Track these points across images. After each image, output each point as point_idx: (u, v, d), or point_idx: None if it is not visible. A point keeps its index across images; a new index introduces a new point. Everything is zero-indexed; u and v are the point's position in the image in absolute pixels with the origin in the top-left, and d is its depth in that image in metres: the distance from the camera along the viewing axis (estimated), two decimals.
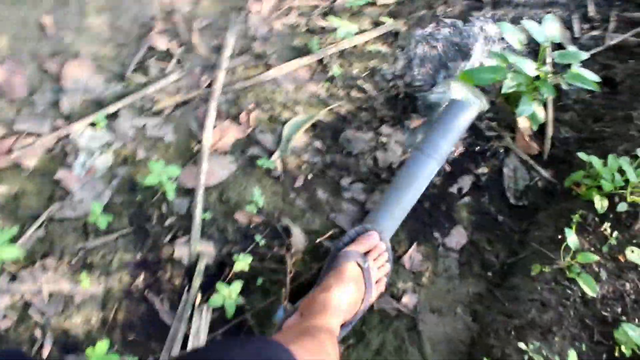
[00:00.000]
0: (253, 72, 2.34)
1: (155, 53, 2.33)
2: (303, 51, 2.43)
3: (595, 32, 2.91)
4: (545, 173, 2.42)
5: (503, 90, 2.28)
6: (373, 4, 2.62)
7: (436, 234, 2.24)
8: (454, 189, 2.35)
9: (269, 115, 2.27)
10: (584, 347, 1.79)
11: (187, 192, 2.08)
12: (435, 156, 2.12)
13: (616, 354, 1.77)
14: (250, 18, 2.45)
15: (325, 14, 2.55)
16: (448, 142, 2.15)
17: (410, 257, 2.16)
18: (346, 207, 2.19)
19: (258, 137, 2.21)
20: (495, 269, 2.19)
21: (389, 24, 2.57)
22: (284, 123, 2.27)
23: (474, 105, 2.21)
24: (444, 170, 2.36)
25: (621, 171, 2.06)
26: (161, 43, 2.33)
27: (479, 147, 2.46)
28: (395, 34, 2.60)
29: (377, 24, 2.59)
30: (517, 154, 2.46)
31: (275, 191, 2.15)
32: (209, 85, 2.27)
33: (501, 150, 2.47)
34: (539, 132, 2.51)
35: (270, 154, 2.20)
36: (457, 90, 2.37)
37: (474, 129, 2.48)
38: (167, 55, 2.34)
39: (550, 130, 2.50)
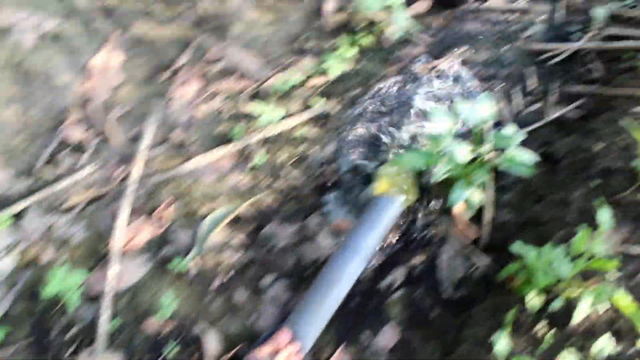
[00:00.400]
0: (172, 164, 2.43)
1: (68, 145, 2.41)
2: (226, 139, 2.53)
3: (535, 106, 3.06)
4: (483, 261, 2.50)
5: (433, 178, 2.38)
6: (303, 84, 2.73)
7: (365, 333, 2.29)
8: (385, 284, 2.42)
9: (186, 210, 2.35)
10: None
11: (94, 299, 2.12)
12: (360, 253, 2.20)
13: None
14: (172, 104, 2.56)
15: (252, 97, 2.66)
16: (373, 239, 2.23)
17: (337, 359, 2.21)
18: (267, 308, 2.24)
19: (173, 235, 2.28)
20: None
21: (319, 106, 2.68)
22: (203, 218, 2.33)
23: (398, 200, 2.30)
24: (375, 263, 2.43)
25: None
26: (75, 134, 2.42)
27: (413, 235, 2.54)
28: (326, 116, 2.71)
29: (307, 106, 2.70)
30: (453, 242, 2.54)
31: (190, 294, 2.20)
32: (124, 179, 2.34)
33: (436, 239, 2.55)
34: (477, 216, 2.59)
35: (185, 253, 2.25)
36: (384, 181, 2.46)
37: (407, 215, 2.56)
38: (80, 147, 2.42)
39: (489, 214, 2.59)
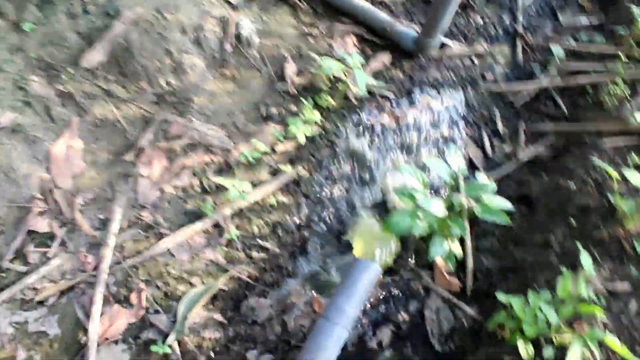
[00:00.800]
0: (143, 246, 2.58)
1: (36, 237, 2.54)
2: (197, 215, 2.69)
3: (506, 148, 3.30)
4: (469, 310, 2.66)
5: (416, 234, 2.55)
6: (270, 152, 2.92)
7: None
8: (373, 344, 2.55)
9: (163, 292, 2.49)
10: None
11: None
12: (342, 323, 2.34)
13: None
14: (139, 184, 2.72)
15: (220, 170, 2.83)
16: (353, 306, 2.38)
17: None
18: None
19: (152, 319, 2.40)
20: None
21: (289, 172, 2.87)
22: (180, 298, 2.46)
23: (376, 263, 2.46)
24: (361, 324, 2.56)
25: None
26: (41, 225, 2.56)
27: (397, 292, 2.69)
28: (297, 182, 2.89)
29: (275, 173, 2.88)
30: (439, 293, 2.70)
31: None
32: (96, 268, 2.47)
33: (421, 292, 2.70)
34: (460, 266, 2.76)
35: (166, 335, 2.37)
36: (361, 243, 2.64)
37: (389, 272, 2.72)
38: (48, 238, 2.55)
39: (470, 264, 2.77)
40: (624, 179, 2.83)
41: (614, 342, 2.17)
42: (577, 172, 2.96)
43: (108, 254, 2.52)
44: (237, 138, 2.97)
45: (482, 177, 2.85)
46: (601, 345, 2.25)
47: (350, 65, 3.09)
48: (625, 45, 3.53)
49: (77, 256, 2.53)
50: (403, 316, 2.66)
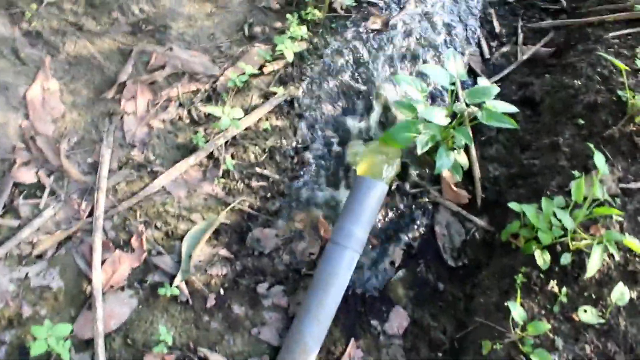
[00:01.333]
0: (138, 186, 2.45)
1: (24, 189, 2.41)
2: (189, 148, 2.55)
3: (505, 48, 3.13)
4: (480, 222, 2.59)
5: (419, 150, 2.44)
6: (259, 74, 2.75)
7: (374, 322, 2.37)
8: (385, 265, 2.48)
9: (163, 232, 2.39)
10: None
11: (87, 344, 2.15)
12: (351, 246, 2.27)
13: None
14: (125, 122, 2.57)
15: (208, 98, 2.67)
16: (361, 227, 2.30)
17: (350, 357, 2.27)
18: (268, 316, 2.29)
19: (155, 261, 2.32)
20: (444, 347, 2.33)
21: (280, 93, 2.71)
22: (182, 237, 2.37)
23: (382, 181, 2.35)
24: (372, 245, 2.49)
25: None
26: (28, 176, 2.43)
27: (405, 209, 2.60)
28: (290, 103, 2.74)
29: (267, 95, 2.72)
30: (448, 207, 2.62)
31: (186, 318, 2.25)
32: (90, 214, 2.35)
33: (430, 207, 2.62)
34: (467, 176, 2.66)
35: (172, 277, 2.29)
36: (366, 161, 2.52)
37: (396, 190, 2.63)
38: (37, 189, 2.42)
39: (477, 173, 2.68)
40: (634, 71, 2.70)
41: (632, 242, 2.10)
42: (581, 68, 2.81)
43: (102, 199, 2.40)
44: (223, 63, 2.79)
45: (483, 81, 2.71)
46: (619, 247, 2.20)
47: None
48: None
49: (70, 204, 2.41)
50: (413, 234, 2.60)
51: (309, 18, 2.95)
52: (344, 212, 2.35)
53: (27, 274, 2.29)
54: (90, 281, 2.26)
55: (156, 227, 2.40)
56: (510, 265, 2.36)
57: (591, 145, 2.36)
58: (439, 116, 2.45)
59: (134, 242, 2.36)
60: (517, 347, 2.11)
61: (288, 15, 2.89)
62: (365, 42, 3.00)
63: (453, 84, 2.53)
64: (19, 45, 2.59)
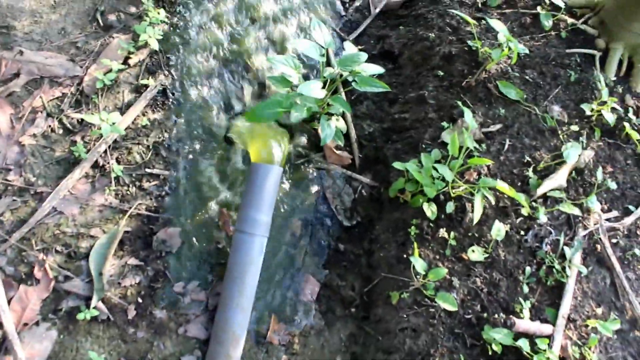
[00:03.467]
0: (25, 212, 2.30)
1: None
2: (70, 161, 2.40)
3: (357, 2, 3.21)
4: (365, 179, 2.74)
5: (292, 120, 2.51)
6: (126, 68, 2.60)
7: (289, 294, 2.49)
8: (287, 237, 2.59)
9: (65, 255, 2.29)
10: (462, 357, 2.20)
11: None
12: (259, 232, 2.34)
13: (490, 353, 2.22)
14: None
15: (77, 103, 2.51)
16: (264, 213, 2.37)
17: (275, 331, 2.40)
18: (191, 313, 2.33)
19: (65, 286, 2.23)
20: (356, 303, 2.53)
21: (152, 85, 2.60)
22: (87, 256, 2.28)
23: (276, 165, 2.41)
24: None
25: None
26: None
27: (295, 181, 2.69)
28: (164, 91, 2.65)
29: (138, 89, 2.60)
30: (333, 171, 2.74)
31: (112, 336, 2.23)
32: None
33: (316, 174, 2.73)
34: (345, 137, 2.79)
35: (87, 298, 2.23)
36: (256, 146, 2.54)
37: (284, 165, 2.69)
38: None
39: (353, 134, 2.81)
40: (478, 19, 2.92)
41: (503, 186, 2.38)
42: (432, 20, 2.98)
43: None
44: (84, 61, 2.59)
45: (349, 46, 2.78)
46: (492, 190, 2.48)
47: None
48: None
49: None
50: (308, 202, 2.70)
51: None
52: (245, 200, 2.39)
53: None
54: (1, 325, 2.13)
55: (57, 252, 2.28)
56: (402, 219, 2.57)
57: (459, 103, 2.58)
58: (316, 89, 2.51)
59: (37, 272, 2.23)
60: (422, 293, 2.36)
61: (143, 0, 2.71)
62: (227, 15, 2.92)
63: (323, 55, 2.58)
64: None
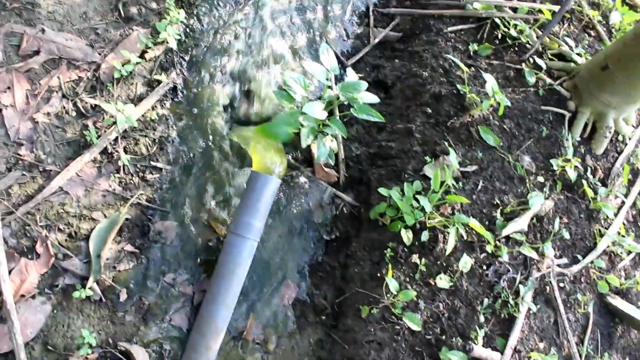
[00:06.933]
0: (32, 188, 2.35)
1: None
2: (81, 144, 2.48)
3: (358, 30, 3.39)
4: (347, 198, 2.92)
5: (303, 143, 2.66)
6: (141, 62, 2.68)
7: (269, 297, 2.65)
8: (272, 243, 2.74)
9: (66, 234, 2.36)
10: None
11: (6, 357, 2.14)
12: (250, 236, 2.48)
13: None
14: (5, 116, 2.38)
15: (92, 88, 2.57)
16: (259, 219, 2.51)
17: (251, 329, 2.56)
18: (179, 302, 2.45)
19: (64, 264, 2.31)
20: (327, 311, 2.71)
21: (165, 81, 2.69)
22: (87, 237, 2.37)
23: (275, 177, 2.56)
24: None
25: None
26: None
27: (284, 189, 2.84)
28: (174, 89, 2.74)
29: (150, 84, 2.68)
30: (320, 185, 2.91)
31: (102, 316, 2.33)
32: None
33: (306, 186, 2.89)
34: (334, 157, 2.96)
35: (82, 278, 2.31)
36: (258, 157, 2.68)
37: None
38: None
39: (342, 155, 2.99)
40: (468, 65, 3.14)
41: (475, 224, 2.62)
42: (426, 59, 3.18)
43: None
44: (102, 48, 2.65)
45: (351, 74, 2.96)
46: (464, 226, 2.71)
47: None
48: None
49: None
50: (294, 211, 2.86)
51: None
52: (242, 205, 2.52)
53: None
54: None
55: (59, 230, 2.35)
56: (379, 240, 2.76)
57: (444, 142, 2.81)
58: (318, 110, 2.68)
59: (38, 247, 2.30)
60: (390, 310, 2.56)
61: None
62: (241, 24, 3.04)
63: (329, 79, 2.75)
64: None
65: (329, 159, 2.84)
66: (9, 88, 2.44)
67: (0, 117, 2.40)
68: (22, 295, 2.23)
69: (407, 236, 2.67)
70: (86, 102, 2.55)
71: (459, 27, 3.27)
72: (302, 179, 2.89)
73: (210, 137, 2.79)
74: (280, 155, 2.79)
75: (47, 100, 2.49)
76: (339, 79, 3.17)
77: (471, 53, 3.21)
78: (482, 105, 2.86)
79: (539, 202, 2.84)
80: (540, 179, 2.97)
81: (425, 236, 2.66)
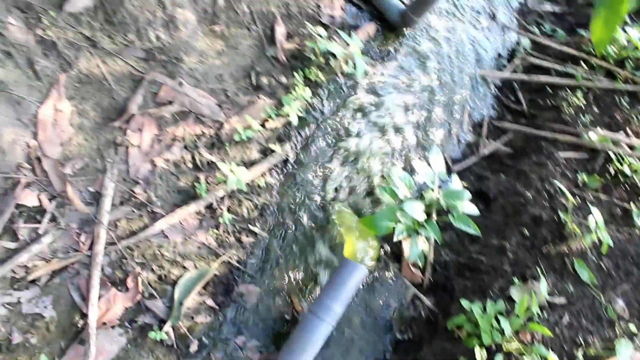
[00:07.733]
0: (137, 225, 2.49)
1: (24, 211, 2.36)
2: (190, 194, 2.61)
3: (469, 137, 3.42)
4: (428, 302, 2.89)
5: (395, 238, 2.67)
6: (262, 127, 2.83)
7: None
8: (345, 328, 2.73)
9: (157, 275, 2.46)
10: None
11: None
12: (328, 319, 2.48)
13: None
14: (130, 154, 2.56)
15: (212, 145, 2.73)
16: (340, 304, 2.51)
17: None
18: None
19: (147, 303, 2.40)
20: None
21: (279, 152, 2.81)
22: (174, 282, 2.46)
23: (364, 266, 2.57)
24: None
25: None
26: (30, 198, 2.38)
27: (368, 280, 2.85)
28: (285, 161, 2.86)
29: (265, 151, 2.82)
30: (404, 284, 2.89)
31: None
32: (90, 248, 2.37)
33: (389, 281, 2.88)
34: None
35: (160, 320, 2.39)
36: (351, 245, 2.72)
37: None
38: (38, 212, 2.38)
39: (431, 258, 2.97)
40: (573, 194, 3.10)
41: (553, 359, 2.51)
42: (533, 180, 3.17)
43: (102, 234, 2.41)
44: (229, 109, 2.83)
45: (456, 182, 2.99)
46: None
47: (347, 43, 3.00)
48: (584, 48, 3.67)
49: (69, 233, 2.40)
50: (373, 303, 2.86)
51: (312, 78, 3.04)
52: (326, 287, 2.55)
53: (19, 299, 2.28)
54: (83, 315, 2.30)
55: (151, 270, 2.47)
56: (451, 351, 2.69)
57: (537, 268, 2.75)
58: (418, 211, 2.71)
59: (129, 282, 2.41)
60: None
61: (295, 74, 2.97)
62: (363, 113, 3.18)
63: (434, 182, 2.79)
64: (33, 56, 2.48)
65: (418, 260, 2.84)
66: (139, 130, 2.64)
67: (126, 155, 2.59)
68: (104, 323, 2.33)
69: (481, 355, 2.58)
70: (203, 157, 2.71)
71: (571, 154, 3.25)
72: (388, 274, 2.89)
73: (310, 214, 2.87)
74: (373, 247, 2.82)
75: (169, 147, 2.67)
76: (442, 182, 3.20)
77: (579, 183, 3.16)
78: (585, 239, 2.79)
79: (627, 352, 2.68)
80: (633, 327, 2.82)
81: (500, 357, 2.57)
